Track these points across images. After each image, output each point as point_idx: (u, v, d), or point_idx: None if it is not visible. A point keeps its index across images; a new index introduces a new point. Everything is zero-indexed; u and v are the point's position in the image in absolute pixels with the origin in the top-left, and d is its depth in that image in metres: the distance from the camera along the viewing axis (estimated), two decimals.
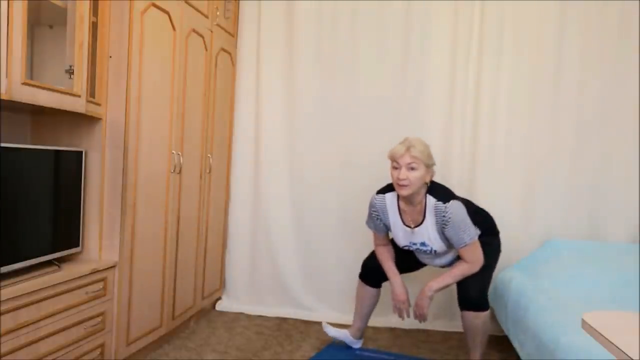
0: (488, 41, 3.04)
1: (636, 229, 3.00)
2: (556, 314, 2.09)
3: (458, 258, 2.39)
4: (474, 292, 2.30)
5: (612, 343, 0.96)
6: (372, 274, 2.59)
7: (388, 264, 2.49)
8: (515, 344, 2.36)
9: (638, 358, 0.90)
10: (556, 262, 2.74)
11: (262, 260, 3.31)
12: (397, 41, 3.12)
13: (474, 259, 2.30)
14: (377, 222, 2.46)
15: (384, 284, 2.61)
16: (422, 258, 2.53)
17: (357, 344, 2.70)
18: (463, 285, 2.32)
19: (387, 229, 2.48)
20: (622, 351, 0.93)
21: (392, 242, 2.55)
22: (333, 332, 2.65)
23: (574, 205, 3.04)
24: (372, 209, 2.44)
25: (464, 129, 3.09)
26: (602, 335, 1.01)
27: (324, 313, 3.18)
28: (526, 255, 2.97)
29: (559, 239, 2.95)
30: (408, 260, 2.55)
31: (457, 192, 3.03)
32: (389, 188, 2.41)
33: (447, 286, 2.36)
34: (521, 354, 2.26)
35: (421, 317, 2.37)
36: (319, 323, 3.09)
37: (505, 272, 2.84)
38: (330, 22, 3.19)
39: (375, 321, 3.02)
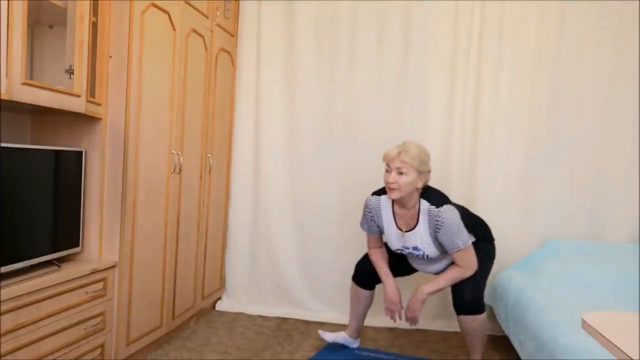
0: (488, 42, 3.04)
1: (636, 229, 3.00)
2: (556, 314, 2.09)
3: (451, 265, 2.38)
4: (468, 297, 2.29)
5: (612, 343, 0.96)
6: (365, 276, 2.58)
7: (381, 266, 2.48)
8: (515, 344, 2.36)
9: (638, 358, 0.90)
10: (556, 262, 2.74)
11: (262, 260, 3.31)
12: (397, 41, 3.12)
13: (467, 264, 2.29)
14: (370, 223, 2.45)
15: (377, 286, 2.60)
16: (416, 264, 2.53)
17: (355, 344, 2.71)
18: (458, 290, 2.32)
19: (381, 231, 2.48)
20: (622, 351, 0.93)
21: (387, 246, 2.55)
22: (331, 338, 2.65)
23: (574, 205, 3.04)
24: (367, 210, 2.43)
25: (464, 128, 3.09)
26: (602, 335, 1.00)
27: (324, 313, 3.18)
28: (526, 255, 2.97)
29: (559, 239, 2.95)
30: (402, 265, 2.55)
31: (457, 191, 3.08)
32: (384, 190, 2.40)
33: (440, 290, 2.35)
34: (521, 354, 2.26)
35: (412, 321, 2.36)
36: (319, 323, 3.10)
37: (505, 272, 2.84)
38: (330, 22, 3.19)
39: (375, 321, 3.02)
